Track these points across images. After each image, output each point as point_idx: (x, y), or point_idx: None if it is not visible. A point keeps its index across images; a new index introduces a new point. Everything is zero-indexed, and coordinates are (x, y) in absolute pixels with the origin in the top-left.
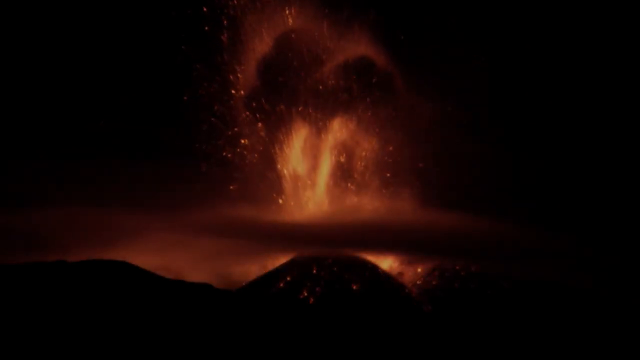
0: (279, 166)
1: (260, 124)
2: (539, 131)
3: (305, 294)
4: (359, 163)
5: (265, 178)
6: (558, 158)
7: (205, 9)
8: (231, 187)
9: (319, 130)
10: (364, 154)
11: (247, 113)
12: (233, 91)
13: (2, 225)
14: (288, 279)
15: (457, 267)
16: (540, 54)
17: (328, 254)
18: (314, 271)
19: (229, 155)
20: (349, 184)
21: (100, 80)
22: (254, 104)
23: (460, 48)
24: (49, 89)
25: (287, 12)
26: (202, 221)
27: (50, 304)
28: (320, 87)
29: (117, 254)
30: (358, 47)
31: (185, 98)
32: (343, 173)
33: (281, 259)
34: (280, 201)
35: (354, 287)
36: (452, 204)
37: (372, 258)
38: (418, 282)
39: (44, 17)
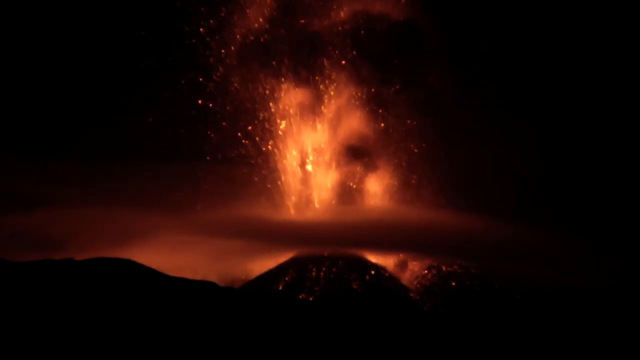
0: (285, 165)
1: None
2: (546, 133)
3: (305, 293)
4: (366, 163)
5: (272, 177)
6: (561, 160)
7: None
8: (237, 186)
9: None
10: (368, 155)
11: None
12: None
13: (18, 226)
14: (287, 279)
15: (456, 267)
16: (552, 61)
17: (328, 253)
18: (314, 270)
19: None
20: (354, 184)
21: (108, 81)
22: (257, 104)
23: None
24: (64, 92)
25: None
26: (210, 221)
27: (56, 300)
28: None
29: (126, 253)
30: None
31: (191, 100)
32: (349, 171)
33: (282, 258)
34: (286, 201)
35: (354, 286)
36: (452, 204)
37: (371, 257)
38: (417, 281)
39: (42, 19)
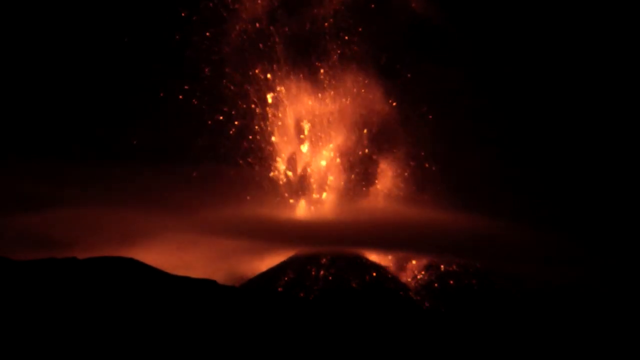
0: (286, 163)
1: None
2: (545, 132)
3: (305, 292)
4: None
5: (271, 175)
6: (561, 160)
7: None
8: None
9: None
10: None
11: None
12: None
13: (18, 226)
14: (287, 278)
15: (455, 266)
16: (552, 63)
17: (328, 251)
18: (314, 269)
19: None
20: (354, 183)
21: (108, 82)
22: (257, 102)
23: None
24: (65, 92)
25: None
26: (210, 221)
27: (59, 298)
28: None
29: (128, 253)
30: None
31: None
32: (349, 168)
33: (282, 257)
34: (290, 200)
35: (353, 285)
36: (452, 204)
37: (371, 257)
38: (417, 281)
39: (43, 19)
